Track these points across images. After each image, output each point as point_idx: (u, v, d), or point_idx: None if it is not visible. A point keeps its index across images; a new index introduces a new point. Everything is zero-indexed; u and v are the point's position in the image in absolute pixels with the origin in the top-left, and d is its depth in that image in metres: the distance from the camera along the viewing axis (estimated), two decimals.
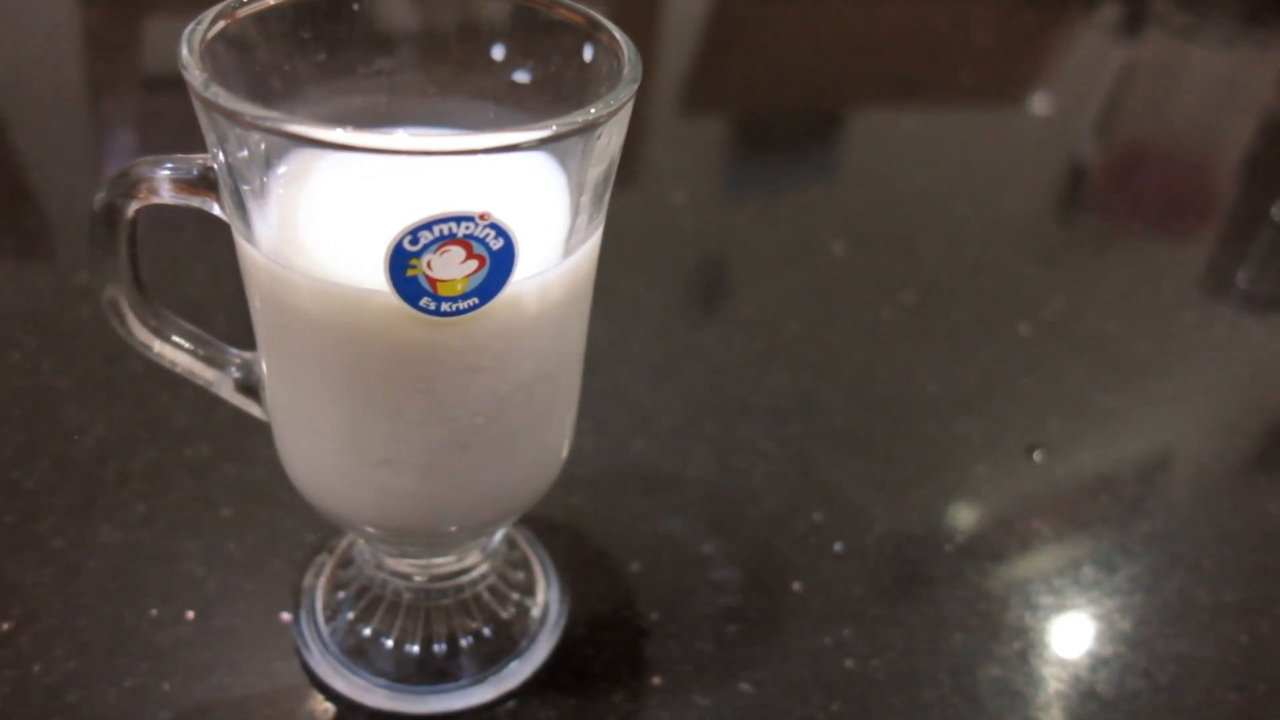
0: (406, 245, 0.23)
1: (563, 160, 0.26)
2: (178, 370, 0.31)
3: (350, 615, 0.36)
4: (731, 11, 0.91)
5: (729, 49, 0.84)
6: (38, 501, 0.39)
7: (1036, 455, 0.47)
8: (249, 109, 0.23)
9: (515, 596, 0.37)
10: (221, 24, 0.26)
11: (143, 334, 0.30)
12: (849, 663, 0.37)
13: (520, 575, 0.38)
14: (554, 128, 0.23)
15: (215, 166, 0.26)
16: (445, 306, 0.24)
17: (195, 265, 0.51)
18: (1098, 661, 0.38)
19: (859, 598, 0.39)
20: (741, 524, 0.42)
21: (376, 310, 0.25)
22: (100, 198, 0.27)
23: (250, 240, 0.26)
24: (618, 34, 0.27)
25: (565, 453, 0.33)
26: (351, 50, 0.29)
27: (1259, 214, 0.71)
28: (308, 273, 0.25)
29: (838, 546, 0.41)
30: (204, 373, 0.31)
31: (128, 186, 0.27)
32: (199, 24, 0.25)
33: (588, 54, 0.28)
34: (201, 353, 0.31)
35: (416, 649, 0.35)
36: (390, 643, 0.35)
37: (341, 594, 0.36)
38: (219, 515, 0.39)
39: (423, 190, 0.24)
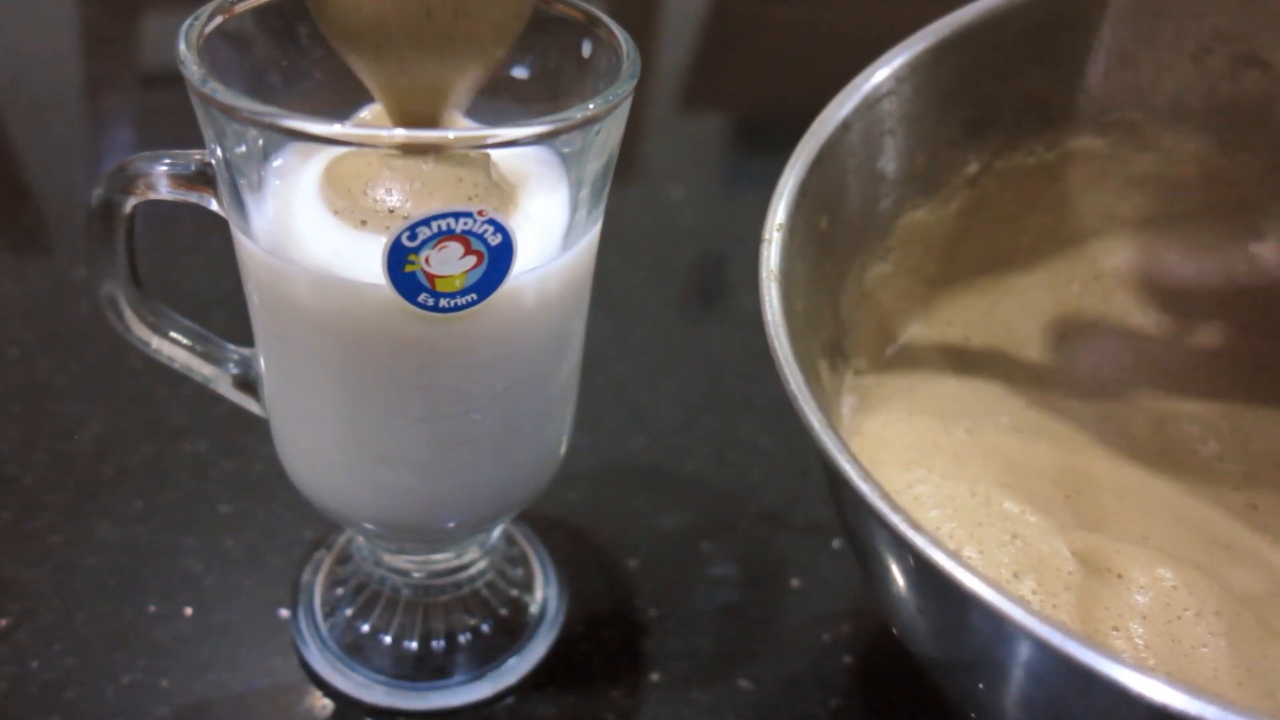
0: (405, 241, 0.23)
1: (561, 156, 0.26)
2: (175, 366, 0.31)
3: (348, 612, 0.36)
4: (731, 7, 0.91)
5: (728, 45, 0.84)
6: (36, 498, 0.39)
7: None
8: (246, 104, 0.23)
9: (513, 593, 0.37)
10: (219, 19, 0.26)
11: (140, 330, 0.30)
12: (848, 659, 0.37)
13: (519, 572, 0.38)
14: (553, 123, 0.23)
15: (213, 161, 0.26)
16: (443, 302, 0.24)
17: (193, 261, 0.51)
18: None
19: (858, 594, 0.39)
20: (740, 520, 0.42)
21: (374, 306, 0.25)
22: (98, 193, 0.27)
23: (248, 235, 0.26)
24: (616, 30, 0.27)
25: (564, 449, 0.33)
26: None
27: None
28: (305, 268, 0.25)
29: (836, 543, 0.41)
30: (202, 369, 0.31)
31: (125, 182, 0.27)
32: (196, 19, 0.25)
33: (586, 50, 0.28)
34: (199, 349, 0.31)
35: (415, 645, 0.35)
36: (388, 639, 0.35)
37: (340, 590, 0.36)
38: (217, 511, 0.39)
39: (421, 186, 0.24)
